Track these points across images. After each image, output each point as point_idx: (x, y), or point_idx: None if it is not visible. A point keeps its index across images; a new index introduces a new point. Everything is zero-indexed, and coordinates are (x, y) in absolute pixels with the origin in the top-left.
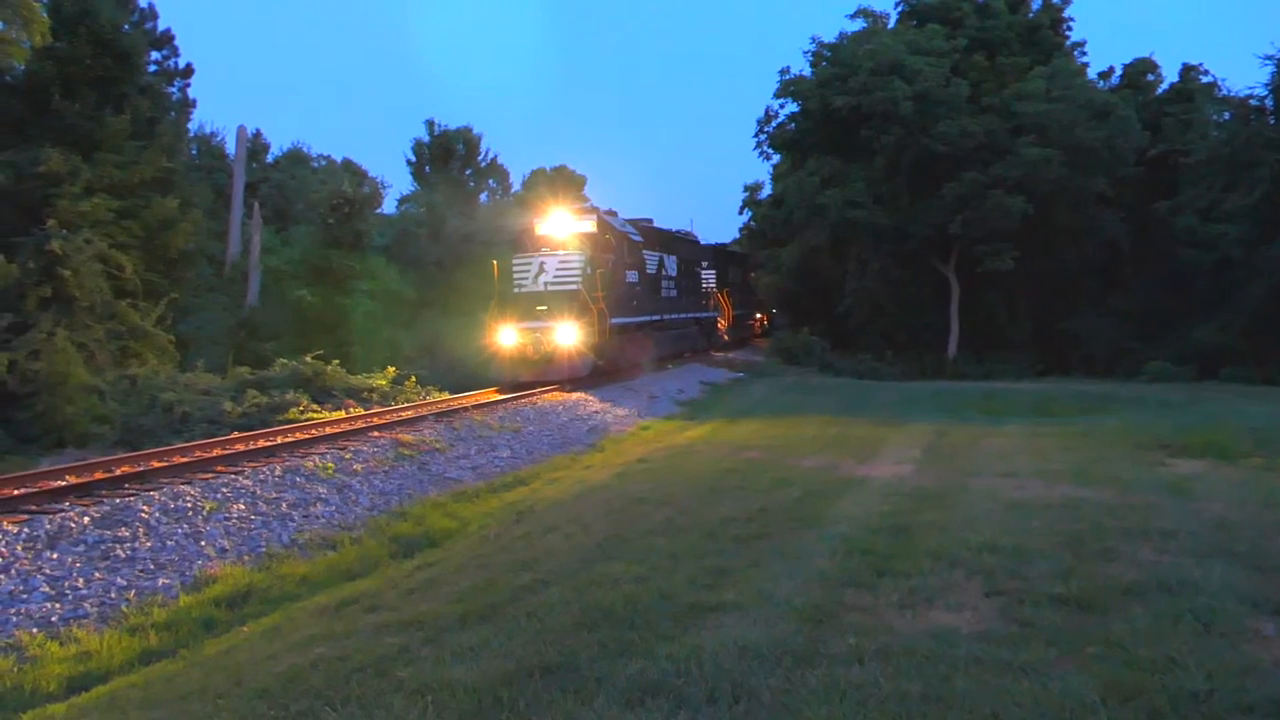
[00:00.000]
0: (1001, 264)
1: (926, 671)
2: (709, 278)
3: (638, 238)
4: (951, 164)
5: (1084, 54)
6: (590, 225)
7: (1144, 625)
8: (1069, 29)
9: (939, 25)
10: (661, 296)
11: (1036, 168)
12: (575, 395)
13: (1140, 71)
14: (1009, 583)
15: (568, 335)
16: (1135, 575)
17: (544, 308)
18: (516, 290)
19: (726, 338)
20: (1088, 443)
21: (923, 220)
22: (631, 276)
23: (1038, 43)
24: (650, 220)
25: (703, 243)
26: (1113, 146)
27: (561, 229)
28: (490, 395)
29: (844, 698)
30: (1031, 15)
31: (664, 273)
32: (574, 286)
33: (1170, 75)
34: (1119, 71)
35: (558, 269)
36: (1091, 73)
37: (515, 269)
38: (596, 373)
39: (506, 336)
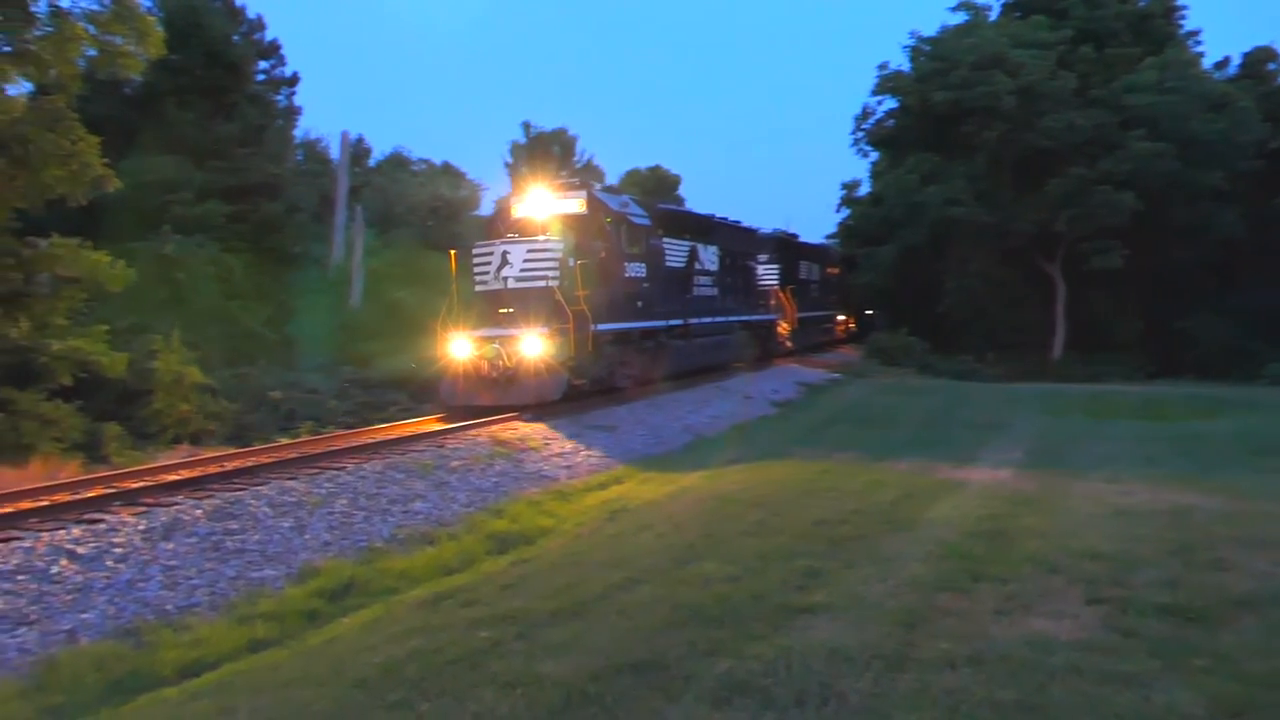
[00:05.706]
0: (1110, 262)
1: (1022, 679)
2: (768, 274)
3: (643, 221)
4: (1057, 159)
5: (1199, 43)
6: (577, 204)
7: (1256, 638)
8: (1182, 18)
9: (1044, 16)
10: (692, 295)
11: (1147, 162)
12: (666, 395)
13: (1260, 60)
14: (1112, 591)
15: (534, 346)
16: (1248, 586)
17: (508, 310)
18: (476, 288)
19: (789, 344)
20: (1200, 447)
21: (1026, 217)
22: (635, 270)
23: (1149, 32)
24: (682, 202)
25: (772, 236)
26: (1230, 139)
27: (541, 210)
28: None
29: (934, 704)
30: (1142, 4)
31: (696, 266)
32: (544, 283)
33: None
34: (1237, 61)
35: (525, 260)
36: (1207, 63)
37: (475, 261)
38: (573, 394)
39: (459, 348)
